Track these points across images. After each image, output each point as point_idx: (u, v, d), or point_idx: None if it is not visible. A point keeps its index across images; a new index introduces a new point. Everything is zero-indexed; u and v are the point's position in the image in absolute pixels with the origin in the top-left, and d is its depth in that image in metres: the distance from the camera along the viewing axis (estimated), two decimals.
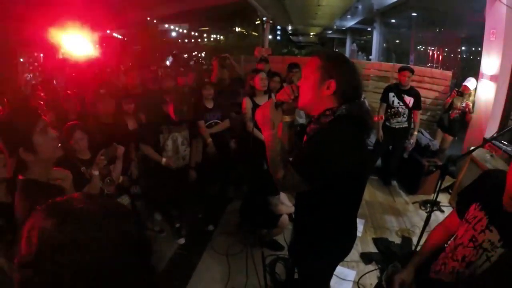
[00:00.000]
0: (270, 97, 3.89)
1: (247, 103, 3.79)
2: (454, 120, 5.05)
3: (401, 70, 4.45)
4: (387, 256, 3.26)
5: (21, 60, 7.68)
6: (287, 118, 1.71)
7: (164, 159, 3.21)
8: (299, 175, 1.41)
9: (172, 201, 3.54)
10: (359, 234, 3.60)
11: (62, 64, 6.88)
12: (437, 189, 2.66)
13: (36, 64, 8.09)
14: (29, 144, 1.30)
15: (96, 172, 2.27)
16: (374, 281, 2.97)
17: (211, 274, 3.06)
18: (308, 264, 1.83)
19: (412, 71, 4.38)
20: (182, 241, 3.49)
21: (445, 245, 1.59)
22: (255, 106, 3.74)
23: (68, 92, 3.64)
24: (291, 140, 1.77)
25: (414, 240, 3.47)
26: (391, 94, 4.48)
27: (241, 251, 3.32)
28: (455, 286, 1.36)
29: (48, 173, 1.41)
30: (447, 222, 1.61)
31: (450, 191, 4.50)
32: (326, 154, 1.39)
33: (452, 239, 1.50)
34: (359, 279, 2.99)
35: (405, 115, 4.46)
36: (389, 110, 4.51)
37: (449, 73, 6.08)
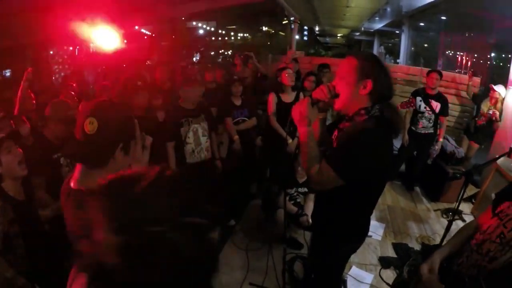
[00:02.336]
0: (297, 94, 3.92)
1: (272, 98, 3.83)
2: (481, 127, 4.92)
3: (430, 72, 4.43)
4: (406, 261, 3.24)
5: (51, 52, 7.94)
6: (321, 115, 1.81)
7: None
8: (334, 170, 1.48)
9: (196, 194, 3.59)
10: (378, 238, 3.59)
11: (92, 57, 7.09)
12: (460, 197, 2.63)
13: (65, 56, 8.35)
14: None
15: None
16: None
17: (230, 268, 3.12)
18: (323, 256, 1.91)
19: (440, 75, 4.32)
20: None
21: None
22: (280, 102, 3.78)
23: (106, 83, 3.74)
24: (322, 136, 1.84)
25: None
26: (418, 99, 4.42)
27: (261, 247, 3.37)
28: (476, 280, 1.38)
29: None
30: (481, 219, 1.61)
31: (473, 201, 4.40)
32: (361, 152, 1.47)
33: (478, 233, 1.51)
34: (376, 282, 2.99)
35: (431, 120, 4.40)
36: (420, 115, 4.46)
37: (478, 79, 5.93)
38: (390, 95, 1.58)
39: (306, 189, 3.43)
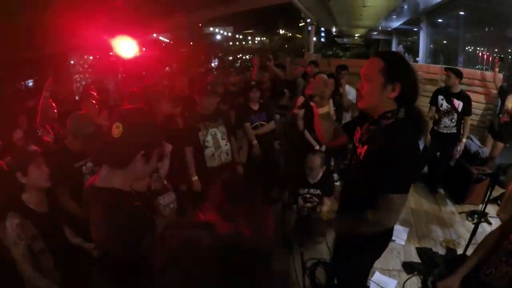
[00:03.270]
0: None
1: (300, 101, 3.82)
2: (505, 125, 4.75)
3: (445, 69, 4.42)
4: (430, 267, 3.17)
5: (72, 62, 8.14)
6: (321, 110, 1.76)
7: (195, 178, 3.24)
8: (397, 194, 1.46)
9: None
10: (402, 242, 3.52)
11: (112, 66, 7.24)
12: (486, 199, 2.56)
13: (86, 66, 8.55)
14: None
15: None
16: None
17: None
18: (348, 262, 1.89)
19: (456, 73, 4.20)
20: None
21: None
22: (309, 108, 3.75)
23: (135, 89, 3.81)
24: (329, 132, 1.83)
25: (459, 252, 3.35)
26: (440, 97, 4.32)
27: (282, 252, 3.35)
28: None
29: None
30: (506, 228, 1.55)
31: (499, 202, 4.24)
32: (406, 165, 1.44)
33: (507, 242, 1.46)
34: None
35: (453, 120, 4.27)
36: (441, 110, 4.35)
37: (501, 76, 5.75)
38: (416, 99, 1.54)
39: (319, 191, 3.40)
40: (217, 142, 3.33)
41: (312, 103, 1.76)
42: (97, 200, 1.30)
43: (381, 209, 1.49)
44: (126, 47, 3.33)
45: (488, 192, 2.51)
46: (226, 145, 3.38)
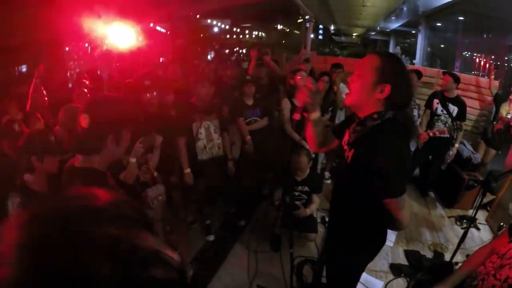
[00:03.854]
0: None
1: (285, 104, 3.78)
2: (498, 132, 4.77)
3: (444, 74, 4.39)
4: (417, 270, 3.17)
5: (67, 49, 7.99)
6: (312, 116, 1.73)
7: (187, 171, 3.19)
8: (397, 197, 1.42)
9: (207, 192, 3.55)
10: (390, 244, 3.51)
11: (107, 55, 7.09)
12: (476, 204, 2.56)
13: (81, 53, 8.39)
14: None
15: (133, 160, 2.29)
16: None
17: (238, 269, 3.11)
18: (340, 264, 1.86)
19: (454, 78, 4.20)
20: (211, 238, 3.54)
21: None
22: (294, 107, 3.71)
23: (130, 80, 3.73)
24: (319, 137, 1.81)
25: (447, 256, 3.36)
26: (436, 101, 4.31)
27: (270, 249, 3.35)
28: None
29: None
30: (496, 244, 1.54)
31: (489, 208, 4.27)
32: (397, 167, 1.41)
33: (495, 255, 1.44)
34: None
35: (447, 124, 4.27)
36: (436, 117, 4.34)
37: (496, 83, 5.76)
38: (406, 106, 1.51)
39: (307, 188, 3.39)
40: (210, 135, 3.31)
41: (304, 114, 1.73)
42: (75, 178, 1.41)
43: (388, 214, 1.47)
44: (121, 36, 3.27)
45: (479, 199, 2.51)
46: (218, 138, 3.36)
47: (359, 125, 1.52)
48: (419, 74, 4.49)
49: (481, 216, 4.18)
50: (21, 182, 2.00)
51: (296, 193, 3.37)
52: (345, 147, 1.63)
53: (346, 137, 1.64)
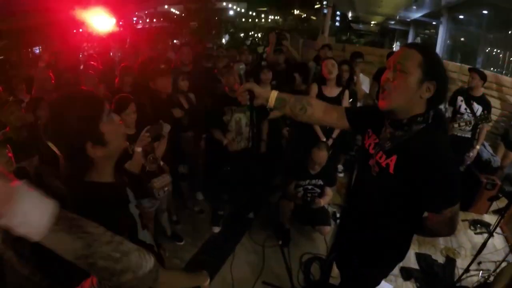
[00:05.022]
0: (343, 89, 3.68)
1: (312, 89, 3.63)
2: None
3: (470, 70, 4.17)
4: (428, 275, 3.07)
5: (81, 30, 7.92)
6: (274, 115, 1.67)
7: (225, 140, 3.19)
8: (457, 205, 1.33)
9: (228, 182, 3.49)
10: None
11: (119, 36, 6.99)
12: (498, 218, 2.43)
13: (94, 35, 8.30)
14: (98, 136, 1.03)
15: (139, 149, 2.19)
16: None
17: (245, 263, 3.07)
18: (362, 281, 1.77)
19: (481, 76, 3.98)
20: (217, 229, 3.49)
21: None
22: (321, 95, 3.56)
23: (125, 64, 3.63)
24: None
25: (459, 262, 3.26)
26: (460, 98, 4.09)
27: (278, 244, 3.28)
28: None
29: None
30: None
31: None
32: (456, 175, 1.32)
33: None
34: None
35: (470, 124, 4.07)
36: (458, 116, 4.11)
37: None
38: (441, 104, 1.39)
39: (321, 182, 3.30)
40: (240, 129, 3.25)
41: None
42: None
43: (442, 225, 1.40)
44: (101, 21, 3.19)
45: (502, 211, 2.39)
46: (248, 132, 3.27)
47: (399, 129, 1.35)
48: (482, 75, 4.11)
49: (494, 221, 4.03)
50: None
51: (309, 187, 3.29)
52: (373, 151, 1.47)
53: (371, 140, 1.49)
